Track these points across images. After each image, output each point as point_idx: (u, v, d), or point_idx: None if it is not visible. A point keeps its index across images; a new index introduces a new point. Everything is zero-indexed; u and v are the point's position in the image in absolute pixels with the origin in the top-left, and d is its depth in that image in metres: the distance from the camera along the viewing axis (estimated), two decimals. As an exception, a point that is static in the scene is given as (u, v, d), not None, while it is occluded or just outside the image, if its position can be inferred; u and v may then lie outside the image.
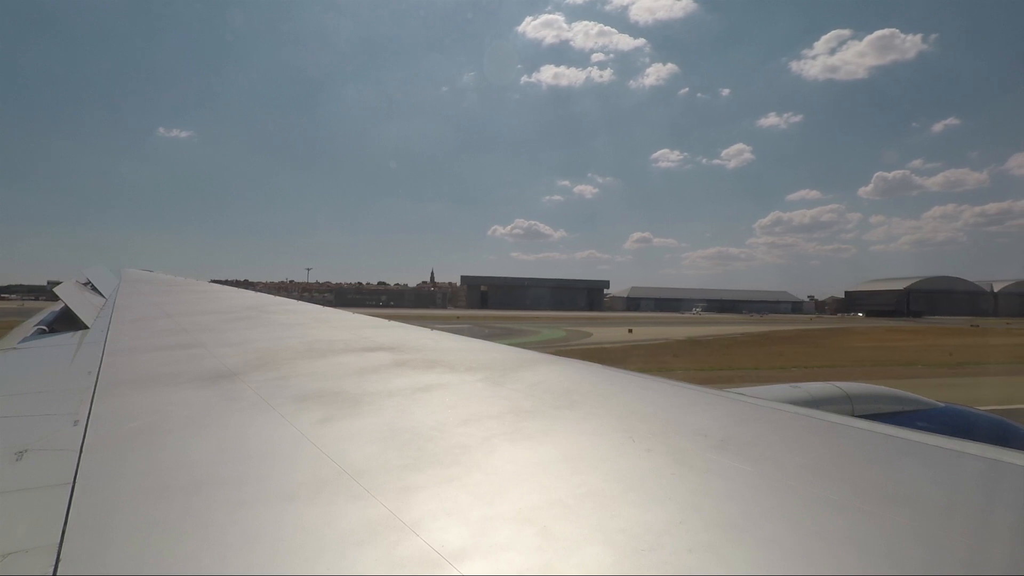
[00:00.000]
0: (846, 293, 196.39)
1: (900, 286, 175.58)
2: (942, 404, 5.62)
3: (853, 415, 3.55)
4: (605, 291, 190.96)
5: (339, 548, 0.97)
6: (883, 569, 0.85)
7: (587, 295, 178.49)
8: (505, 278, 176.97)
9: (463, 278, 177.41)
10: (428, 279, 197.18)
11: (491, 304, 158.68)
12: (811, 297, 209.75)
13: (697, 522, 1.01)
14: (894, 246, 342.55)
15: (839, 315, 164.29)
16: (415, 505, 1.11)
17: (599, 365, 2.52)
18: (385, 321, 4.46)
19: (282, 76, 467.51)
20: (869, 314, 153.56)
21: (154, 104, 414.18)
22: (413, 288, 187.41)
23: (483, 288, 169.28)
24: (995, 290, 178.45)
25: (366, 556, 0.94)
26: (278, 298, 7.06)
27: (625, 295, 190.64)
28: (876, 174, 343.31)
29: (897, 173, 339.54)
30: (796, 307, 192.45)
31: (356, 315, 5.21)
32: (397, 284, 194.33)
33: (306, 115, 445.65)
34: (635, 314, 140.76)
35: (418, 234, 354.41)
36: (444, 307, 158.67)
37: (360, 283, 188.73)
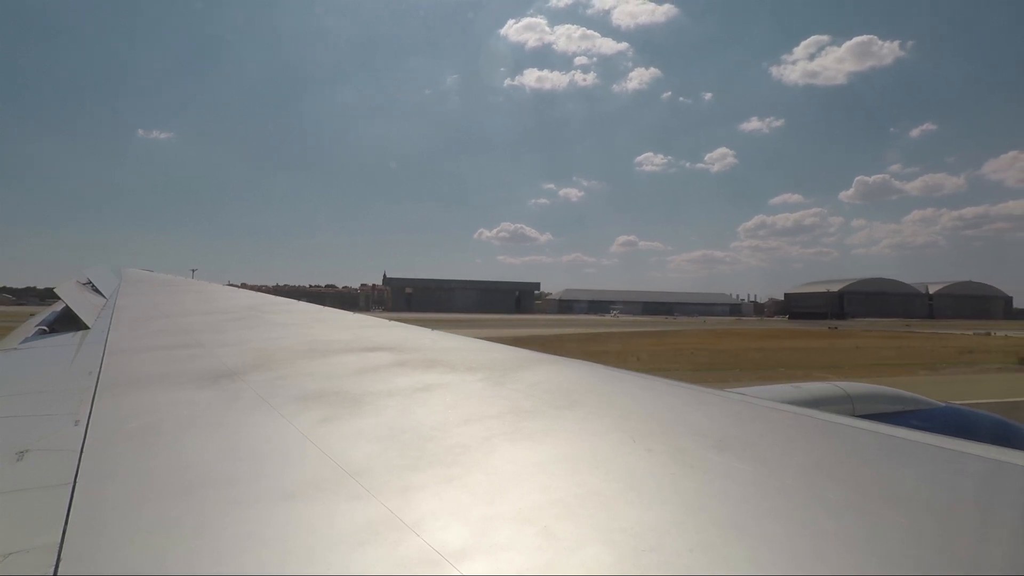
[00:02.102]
0: (785, 295, 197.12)
1: (835, 288, 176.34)
2: (943, 404, 5.63)
3: (854, 415, 3.55)
4: (536, 292, 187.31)
5: (340, 548, 0.97)
6: (884, 569, 0.85)
7: (516, 297, 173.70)
8: (431, 280, 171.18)
9: (386, 280, 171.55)
10: (382, 280, 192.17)
11: (416, 306, 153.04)
12: (771, 298, 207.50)
13: (698, 522, 1.01)
14: (875, 249, 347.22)
15: (775, 317, 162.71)
16: (416, 505, 1.11)
17: (600, 365, 2.52)
18: (385, 321, 4.46)
19: (260, 77, 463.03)
20: (794, 316, 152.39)
21: (133, 106, 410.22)
22: (354, 290, 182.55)
23: (408, 290, 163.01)
24: (930, 292, 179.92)
25: (367, 556, 0.94)
26: (278, 298, 7.05)
27: (558, 297, 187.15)
28: (857, 178, 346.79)
29: (877, 177, 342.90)
30: (734, 309, 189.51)
31: (356, 315, 5.21)
32: (346, 287, 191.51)
33: (287, 117, 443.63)
34: (549, 316, 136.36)
35: (403, 236, 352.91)
36: (368, 309, 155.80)
37: (308, 285, 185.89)
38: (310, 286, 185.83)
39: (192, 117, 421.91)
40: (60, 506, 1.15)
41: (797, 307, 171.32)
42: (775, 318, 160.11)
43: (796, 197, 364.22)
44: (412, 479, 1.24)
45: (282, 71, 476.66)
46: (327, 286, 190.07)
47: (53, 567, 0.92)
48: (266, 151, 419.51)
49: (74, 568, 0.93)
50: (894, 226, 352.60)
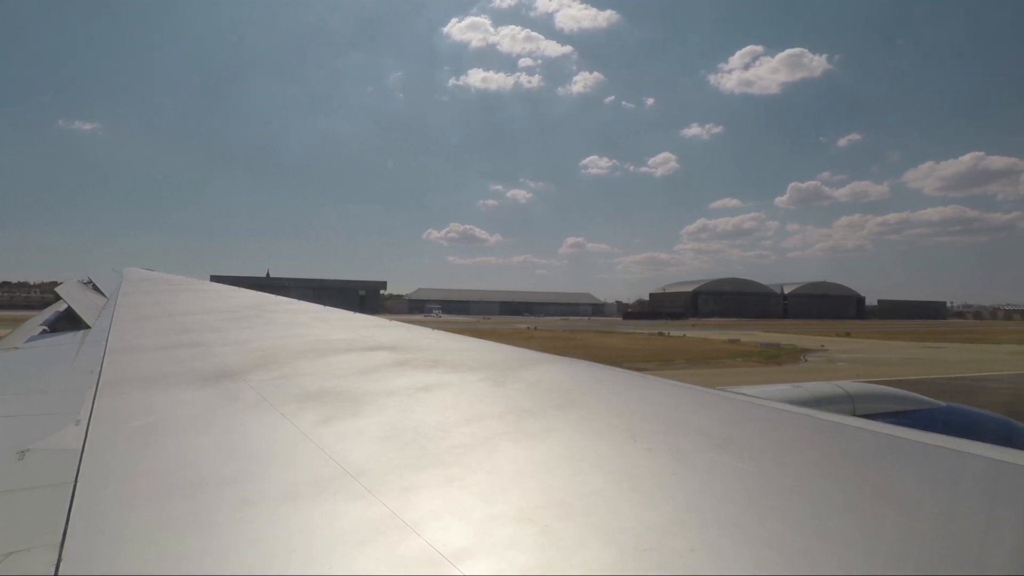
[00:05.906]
0: (650, 295, 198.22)
1: (690, 288, 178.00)
2: (944, 404, 5.62)
3: (855, 415, 3.55)
4: (383, 292, 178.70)
5: (341, 548, 0.97)
6: (885, 569, 0.85)
7: (361, 297, 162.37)
8: (264, 279, 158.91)
9: (212, 278, 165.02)
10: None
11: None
12: (638, 299, 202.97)
13: (699, 521, 1.01)
14: (809, 252, 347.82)
15: (632, 318, 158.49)
16: (416, 504, 1.11)
17: (600, 365, 2.52)
18: (386, 321, 4.47)
19: (189, 69, 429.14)
20: (628, 316, 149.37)
21: (53, 95, 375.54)
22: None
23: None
24: (785, 292, 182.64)
25: (367, 556, 0.94)
26: (280, 297, 7.06)
27: (408, 297, 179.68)
28: (791, 184, 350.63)
29: (810, 184, 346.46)
30: (597, 309, 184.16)
31: (357, 315, 5.21)
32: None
33: (220, 113, 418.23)
34: (389, 317, 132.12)
35: (348, 238, 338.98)
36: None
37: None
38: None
39: (114, 109, 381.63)
40: (61, 505, 1.15)
41: (662, 307, 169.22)
42: (633, 319, 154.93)
43: (735, 202, 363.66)
44: (413, 479, 1.24)
45: (213, 64, 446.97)
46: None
47: (54, 566, 0.92)
48: (198, 148, 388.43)
49: (75, 568, 0.93)
50: (826, 231, 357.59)
